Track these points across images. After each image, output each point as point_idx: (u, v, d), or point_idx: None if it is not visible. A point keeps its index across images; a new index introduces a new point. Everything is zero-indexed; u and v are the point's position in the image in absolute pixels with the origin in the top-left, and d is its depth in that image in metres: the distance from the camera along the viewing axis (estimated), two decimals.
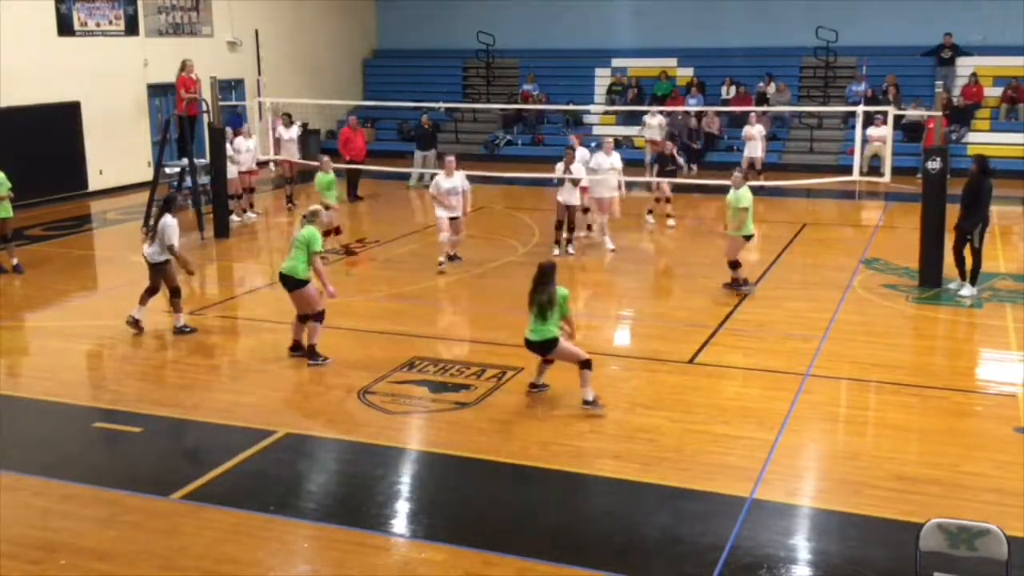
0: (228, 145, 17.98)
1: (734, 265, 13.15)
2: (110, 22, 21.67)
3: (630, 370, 10.60)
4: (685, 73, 26.96)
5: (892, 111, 15.58)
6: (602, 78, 27.74)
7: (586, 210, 16.38)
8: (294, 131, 20.93)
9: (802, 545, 7.06)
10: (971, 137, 23.43)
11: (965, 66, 24.59)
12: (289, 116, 21.19)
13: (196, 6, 23.89)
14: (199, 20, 24.03)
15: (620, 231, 16.11)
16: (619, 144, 22.01)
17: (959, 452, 8.38)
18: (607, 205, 15.91)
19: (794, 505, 7.61)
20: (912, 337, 11.92)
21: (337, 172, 20.70)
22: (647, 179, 19.05)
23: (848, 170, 16.05)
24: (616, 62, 27.71)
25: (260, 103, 20.40)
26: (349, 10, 29.33)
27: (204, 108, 18.30)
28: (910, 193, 18.11)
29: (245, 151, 18.71)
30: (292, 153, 20.41)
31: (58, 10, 20.49)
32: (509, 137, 26.97)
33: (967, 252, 13.01)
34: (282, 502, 7.63)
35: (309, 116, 25.02)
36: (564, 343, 9.21)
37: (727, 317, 12.27)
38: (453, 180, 14.42)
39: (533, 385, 9.70)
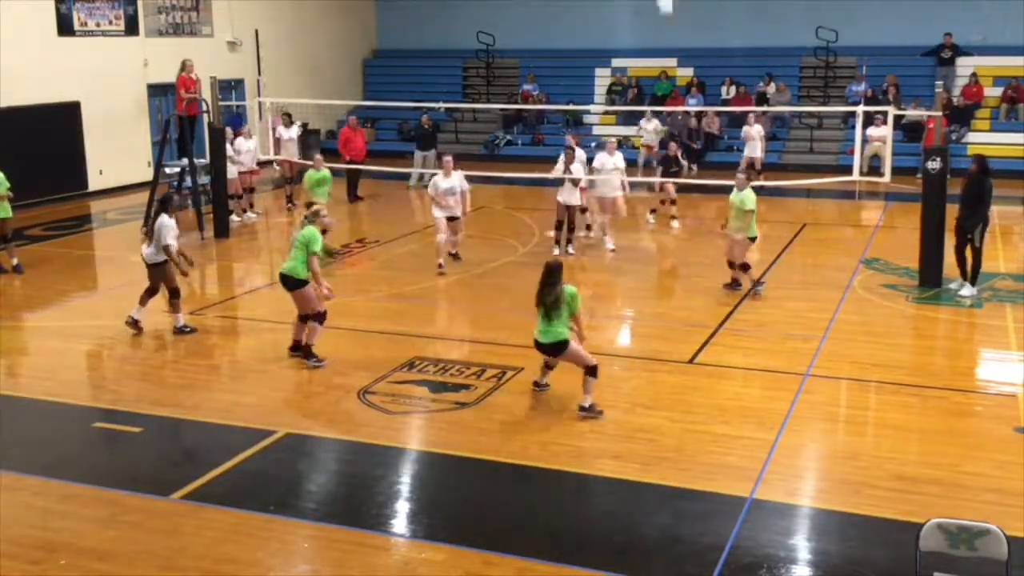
0: (228, 145, 17.99)
1: (745, 267, 13.06)
2: (110, 22, 21.67)
3: (630, 370, 10.60)
4: (685, 73, 26.97)
5: (892, 111, 15.60)
6: (602, 78, 27.75)
7: (584, 210, 16.38)
8: (294, 131, 20.94)
9: (802, 545, 7.06)
10: (971, 137, 23.43)
11: (965, 66, 24.59)
12: (289, 116, 21.19)
13: (196, 6, 23.90)
14: (199, 20, 24.03)
15: (620, 231, 16.10)
16: (619, 144, 22.05)
17: (959, 452, 8.38)
18: (609, 205, 15.89)
19: (794, 505, 7.61)
20: (912, 337, 11.92)
21: (337, 172, 20.77)
22: (649, 179, 19.06)
23: (848, 170, 16.06)
24: (616, 62, 27.72)
25: (260, 103, 20.40)
26: (349, 10, 29.33)
27: (204, 108, 18.30)
28: (910, 193, 18.11)
29: (245, 151, 18.72)
30: (292, 153, 20.42)
31: (58, 10, 20.49)
32: (509, 137, 26.98)
33: (967, 252, 13.01)
34: (282, 502, 7.63)
35: (309, 116, 25.01)
36: (574, 346, 9.12)
37: (727, 317, 12.27)
38: (451, 180, 14.41)
39: (536, 384, 9.68)
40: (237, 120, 22.29)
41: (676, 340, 11.44)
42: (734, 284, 13.30)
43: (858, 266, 14.72)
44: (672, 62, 27.16)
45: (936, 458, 8.27)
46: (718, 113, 24.62)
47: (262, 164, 19.86)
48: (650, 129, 22.83)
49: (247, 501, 7.63)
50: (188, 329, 11.80)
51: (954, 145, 21.36)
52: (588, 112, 26.48)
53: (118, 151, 21.64)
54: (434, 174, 15.01)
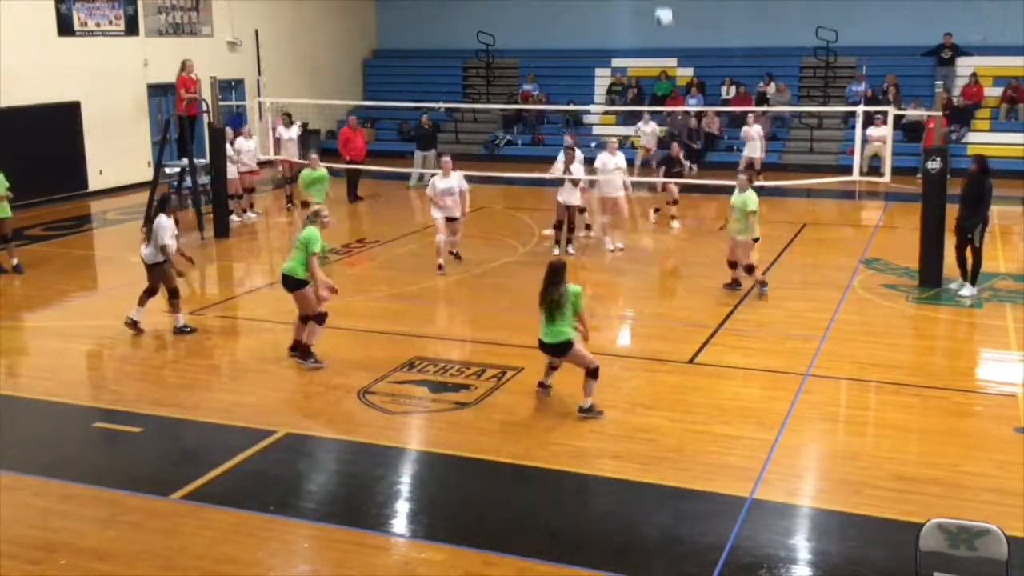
0: (228, 146, 17.99)
1: (750, 269, 12.99)
2: (110, 22, 21.68)
3: (630, 370, 10.59)
4: (685, 73, 26.97)
5: (892, 111, 15.59)
6: (602, 78, 27.75)
7: (583, 210, 16.39)
8: (294, 131, 20.93)
9: (802, 545, 7.06)
10: (971, 137, 23.43)
11: (965, 66, 24.60)
12: (289, 116, 21.19)
13: (196, 6, 23.90)
14: (199, 20, 24.03)
15: (616, 231, 16.08)
16: (620, 144, 22.04)
17: (959, 452, 8.38)
18: (611, 205, 15.88)
19: (794, 505, 7.61)
20: (912, 337, 11.92)
21: (337, 172, 20.77)
22: (651, 179, 19.06)
23: (848, 170, 16.06)
24: (616, 62, 27.72)
25: (260, 103, 20.41)
26: (349, 10, 29.34)
27: (204, 108, 18.31)
28: (910, 193, 18.11)
29: (246, 151, 18.72)
30: (292, 153, 20.41)
31: (58, 10, 20.49)
32: (509, 137, 26.98)
33: (968, 252, 13.01)
34: (282, 502, 7.63)
35: (309, 116, 25.01)
36: (578, 347, 9.07)
37: (727, 317, 12.27)
38: (449, 181, 14.40)
39: (541, 384, 9.63)
40: (237, 120, 22.29)
41: (676, 340, 11.44)
42: (734, 284, 13.29)
43: (858, 266, 14.72)
44: (672, 62, 27.17)
45: (936, 458, 8.27)
46: (718, 113, 24.63)
47: (263, 164, 19.87)
48: (648, 131, 22.86)
49: (247, 501, 7.63)
50: (188, 329, 11.80)
51: (954, 145, 21.36)
52: (588, 112, 26.49)
53: (118, 151, 21.64)
54: (434, 174, 15.00)
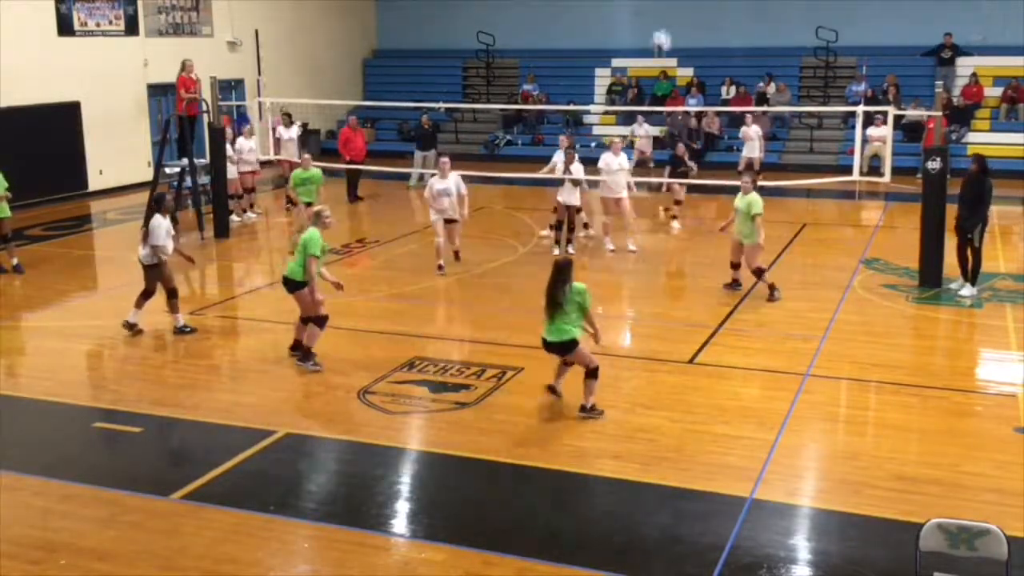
0: (228, 146, 17.98)
1: (759, 272, 12.91)
2: (110, 22, 21.68)
3: (630, 370, 10.59)
4: (685, 73, 26.97)
5: (892, 111, 15.60)
6: (602, 78, 27.76)
7: (579, 209, 16.40)
8: (294, 131, 20.94)
9: (802, 545, 7.06)
10: (971, 137, 23.43)
11: (965, 66, 24.60)
12: (289, 116, 21.20)
13: (196, 6, 23.90)
14: (199, 20, 24.03)
15: (618, 231, 16.08)
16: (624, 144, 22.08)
17: (959, 452, 8.38)
18: (613, 206, 15.85)
19: (794, 505, 7.61)
20: (912, 337, 11.92)
21: (337, 172, 20.77)
22: (654, 180, 19.06)
23: (848, 170, 16.06)
24: (616, 62, 27.73)
25: (260, 103, 20.41)
26: (349, 10, 29.34)
27: (204, 108, 18.31)
28: (910, 193, 18.12)
29: (247, 151, 18.72)
30: (292, 153, 20.39)
31: (58, 10, 20.50)
32: (509, 137, 26.98)
33: (968, 252, 13.00)
34: (282, 502, 7.63)
35: (309, 116, 25.02)
36: (583, 347, 9.00)
37: (727, 317, 12.27)
38: (446, 182, 14.37)
39: (552, 389, 9.43)
40: (242, 120, 22.29)
41: (676, 340, 11.44)
42: (734, 284, 13.28)
43: (858, 266, 14.72)
44: (672, 62, 27.17)
45: (936, 458, 8.27)
46: (718, 113, 24.63)
47: (264, 164, 19.87)
48: (642, 134, 22.87)
49: (247, 501, 7.63)
50: (188, 329, 11.80)
51: (954, 145, 21.36)
52: (588, 112, 26.49)
53: (118, 151, 21.64)
54: (433, 174, 14.99)
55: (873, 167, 19.92)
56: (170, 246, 11.70)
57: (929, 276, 13.34)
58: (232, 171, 18.13)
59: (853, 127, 19.91)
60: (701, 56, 26.91)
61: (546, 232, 16.84)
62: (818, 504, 7.62)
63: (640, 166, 21.56)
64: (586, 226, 16.81)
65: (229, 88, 23.67)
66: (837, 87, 25.45)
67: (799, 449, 8.64)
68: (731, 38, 26.58)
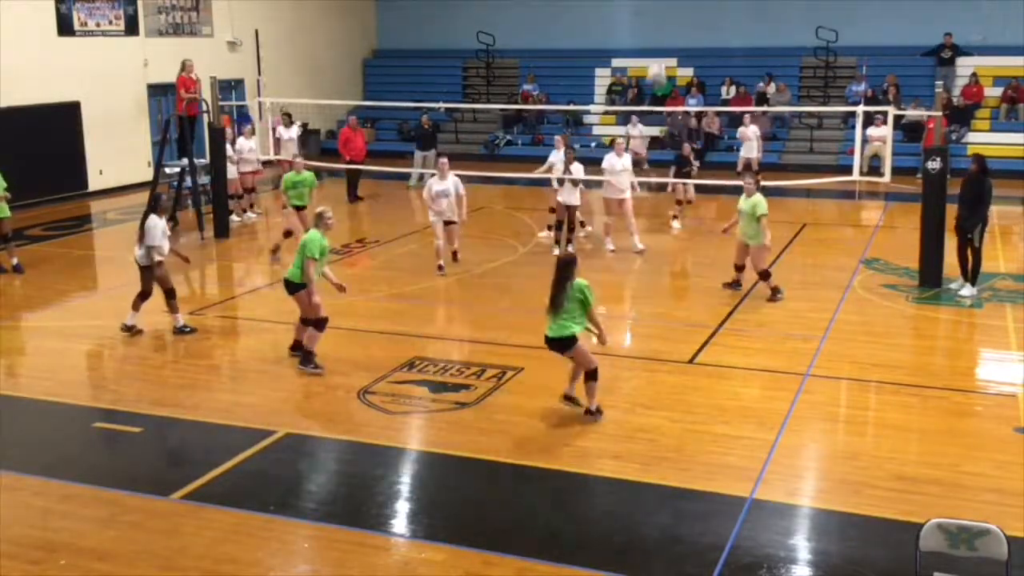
0: (229, 146, 17.97)
1: (765, 275, 12.88)
2: (110, 22, 21.68)
3: (630, 370, 10.59)
4: (685, 73, 26.97)
5: (892, 111, 15.60)
6: (602, 78, 27.76)
7: (554, 209, 16.42)
8: (294, 131, 20.94)
9: (802, 545, 7.06)
10: (971, 137, 23.44)
11: (965, 66, 24.61)
12: (289, 116, 21.20)
13: (196, 6, 23.90)
14: (199, 20, 24.04)
15: (620, 232, 16.08)
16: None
17: (959, 452, 8.38)
18: (616, 206, 15.83)
19: (794, 505, 7.61)
20: (912, 337, 11.92)
21: (337, 172, 20.79)
22: (660, 180, 19.04)
23: (848, 170, 16.06)
24: (616, 62, 27.72)
25: (260, 103, 20.41)
26: (349, 10, 29.34)
27: (204, 108, 18.31)
28: (910, 193, 18.12)
29: (247, 151, 18.72)
30: (292, 153, 20.38)
31: (58, 10, 20.50)
32: (509, 137, 26.99)
33: (968, 252, 13.00)
34: (282, 502, 7.63)
35: (309, 116, 25.03)
36: (582, 345, 8.92)
37: (727, 317, 12.27)
38: (445, 183, 14.35)
39: (567, 397, 9.23)
40: (244, 120, 22.29)
41: (676, 340, 11.44)
42: (735, 284, 13.26)
43: (858, 266, 14.72)
44: (672, 62, 27.14)
45: (936, 458, 8.27)
46: (718, 113, 24.63)
47: (265, 164, 19.87)
48: (635, 134, 22.85)
49: (247, 501, 7.63)
50: (188, 329, 11.80)
51: (954, 145, 21.37)
52: (588, 112, 26.49)
53: (118, 151, 21.65)
54: (433, 174, 14.98)
55: (873, 167, 19.92)
56: (166, 246, 11.68)
57: (929, 276, 13.34)
58: (232, 171, 18.12)
59: (853, 127, 19.92)
60: (701, 56, 26.91)
61: (545, 233, 16.84)
62: (818, 504, 7.62)
63: (635, 167, 21.52)
64: (582, 224, 16.81)
65: (229, 88, 23.67)
66: (837, 87, 25.45)
67: (799, 449, 8.64)
68: (731, 38, 26.59)
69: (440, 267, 14.40)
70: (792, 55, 26.15)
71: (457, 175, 14.70)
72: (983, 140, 22.92)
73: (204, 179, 18.49)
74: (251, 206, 19.25)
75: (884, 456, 8.30)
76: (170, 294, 11.73)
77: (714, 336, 11.57)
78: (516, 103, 26.80)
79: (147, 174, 20.38)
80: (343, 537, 7.13)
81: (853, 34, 25.21)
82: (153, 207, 11.74)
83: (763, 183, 13.30)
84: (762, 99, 25.07)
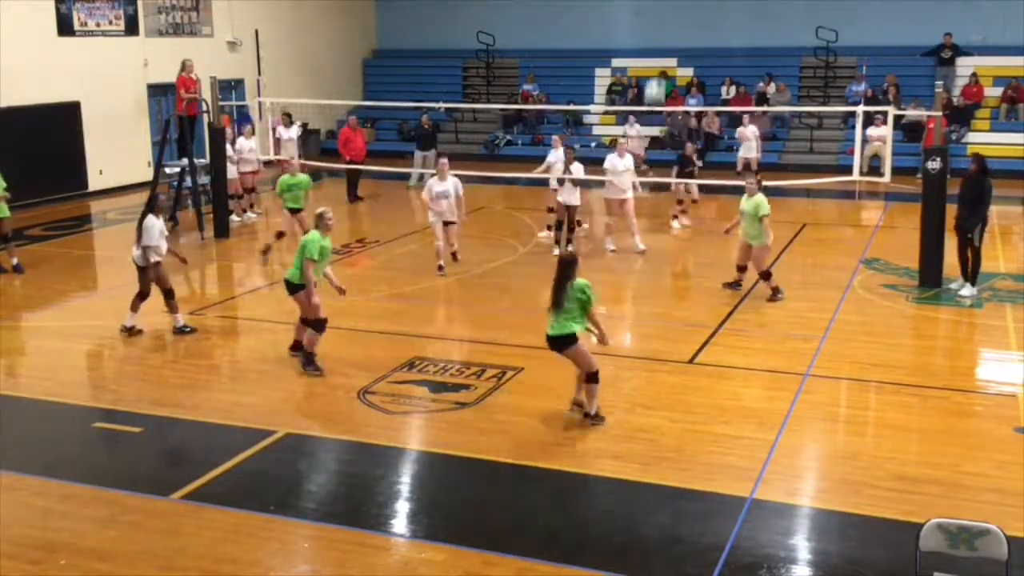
0: (228, 146, 17.97)
1: (767, 275, 12.87)
2: (110, 22, 21.68)
3: (630, 370, 10.59)
4: (685, 73, 26.98)
5: (892, 111, 15.59)
6: (602, 78, 27.76)
7: (551, 210, 16.42)
8: (294, 131, 20.94)
9: (802, 545, 7.06)
10: (971, 137, 23.44)
11: (965, 66, 24.61)
12: (289, 116, 21.20)
13: (196, 6, 23.90)
14: (199, 20, 24.04)
15: (620, 232, 16.08)
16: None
17: (959, 452, 8.38)
18: (618, 207, 15.82)
19: (794, 505, 7.61)
20: (912, 337, 11.92)
21: (337, 172, 20.77)
22: (663, 180, 19.04)
23: (848, 170, 16.06)
24: (616, 62, 27.73)
25: (260, 103, 20.41)
26: (349, 10, 29.34)
27: (204, 108, 18.31)
28: (910, 193, 18.11)
29: (248, 151, 18.72)
30: (292, 153, 20.38)
31: (58, 10, 20.50)
32: (509, 137, 26.99)
33: (968, 252, 13.00)
34: (282, 502, 7.63)
35: (309, 116, 25.03)
36: (582, 346, 8.86)
37: (727, 317, 12.27)
38: (445, 184, 14.33)
39: (578, 404, 9.17)
40: (245, 120, 22.30)
41: (676, 340, 11.44)
42: (735, 284, 13.26)
43: (858, 266, 14.72)
44: (672, 62, 27.18)
45: (936, 458, 8.27)
46: (718, 113, 24.63)
47: (267, 164, 19.88)
48: (633, 134, 22.86)
49: (247, 501, 7.63)
50: (188, 329, 11.79)
51: (954, 145, 21.37)
52: (588, 112, 26.49)
53: (118, 151, 21.65)
54: (433, 174, 14.98)
55: (873, 167, 19.92)
56: (164, 247, 11.67)
57: (929, 276, 13.34)
58: (232, 171, 18.12)
59: (853, 127, 19.91)
60: (701, 56, 26.91)
61: (545, 233, 16.84)
62: (818, 504, 7.62)
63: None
64: (579, 223, 16.80)
65: (229, 88, 23.67)
66: (837, 87, 25.45)
67: (799, 449, 8.64)
68: (731, 38, 26.59)
69: (440, 267, 14.39)
70: (792, 55, 26.15)
71: (457, 175, 14.70)
72: (983, 140, 22.92)
73: (204, 179, 18.49)
74: (251, 206, 19.25)
75: (884, 456, 8.31)
76: (169, 294, 11.72)
77: (714, 336, 11.57)
78: (516, 103, 26.81)
79: (147, 174, 20.39)
80: (343, 537, 7.13)
81: (853, 34, 25.21)
82: (150, 207, 11.71)
83: (763, 183, 13.29)
84: (762, 99, 25.07)
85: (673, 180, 17.97)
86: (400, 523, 7.49)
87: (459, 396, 9.71)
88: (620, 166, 15.69)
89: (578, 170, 15.48)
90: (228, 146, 17.93)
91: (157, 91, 22.54)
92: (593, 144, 25.26)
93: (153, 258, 11.54)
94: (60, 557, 6.86)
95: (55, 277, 14.85)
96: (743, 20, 26.47)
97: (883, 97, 23.71)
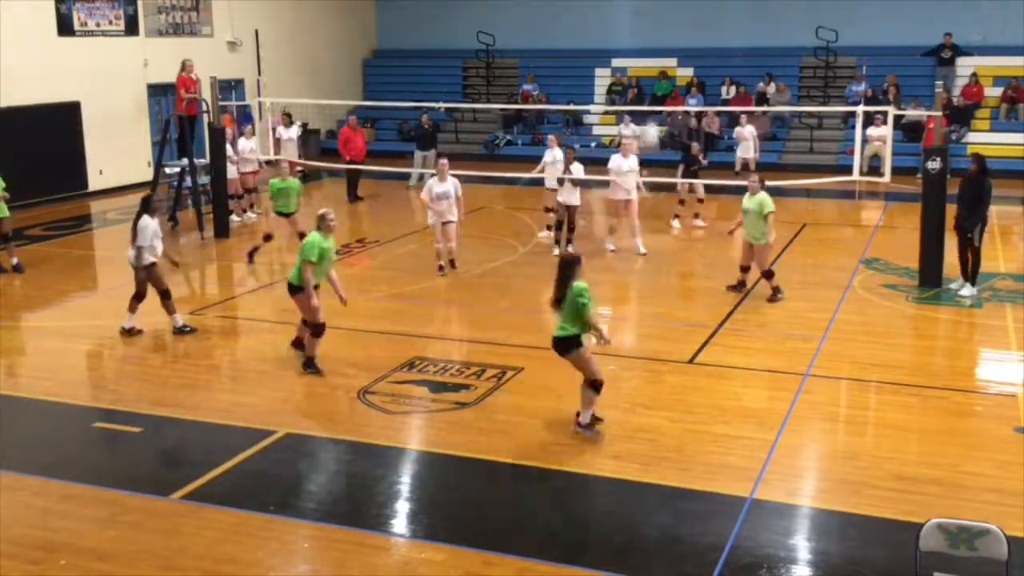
0: (229, 146, 17.97)
1: (769, 275, 12.86)
2: (110, 22, 21.68)
3: (630, 370, 10.59)
4: (685, 73, 26.98)
5: (892, 111, 15.59)
6: (602, 78, 27.76)
7: (548, 209, 16.39)
8: (294, 131, 20.94)
9: (802, 545, 7.06)
10: (971, 137, 23.44)
11: (965, 66, 24.61)
12: (289, 116, 21.21)
13: (196, 6, 23.90)
14: (199, 20, 24.04)
15: (622, 232, 16.08)
16: (618, 146, 22.06)
17: (959, 452, 8.38)
18: (622, 208, 15.80)
19: (794, 505, 7.61)
20: (912, 337, 11.92)
21: (337, 172, 20.75)
22: (669, 180, 19.05)
23: (848, 170, 16.05)
24: (616, 62, 27.73)
25: (260, 103, 20.42)
26: (349, 10, 29.34)
27: (204, 108, 18.31)
28: (910, 193, 18.12)
29: (248, 151, 18.72)
30: (292, 153, 20.42)
31: (58, 10, 20.50)
32: (509, 137, 26.99)
33: (968, 252, 13.01)
34: (282, 502, 7.63)
35: (309, 116, 25.03)
36: (585, 351, 8.69)
37: (727, 317, 12.27)
38: (445, 184, 14.31)
39: (593, 417, 8.96)
40: (247, 120, 22.31)
41: (676, 340, 11.44)
42: (739, 286, 13.18)
43: (858, 266, 14.72)
44: (672, 62, 27.18)
45: (936, 458, 8.27)
46: (718, 113, 24.63)
47: (268, 164, 19.88)
48: (628, 133, 22.88)
49: (247, 501, 7.63)
50: (188, 329, 11.79)
51: (954, 145, 21.37)
52: (588, 112, 26.50)
53: (118, 151, 21.65)
54: (433, 174, 14.96)
55: (873, 167, 19.91)
56: (160, 247, 11.65)
57: (929, 276, 13.34)
58: (232, 171, 18.12)
59: (853, 127, 19.91)
60: (701, 56, 26.91)
61: (545, 233, 16.83)
62: (818, 504, 7.62)
63: None
64: (559, 225, 16.75)
65: (229, 88, 23.67)
66: (837, 87, 25.46)
67: (799, 449, 8.64)
68: (731, 38, 26.59)
69: (440, 268, 14.39)
70: (792, 55, 26.15)
71: (457, 175, 14.69)
72: (983, 140, 22.91)
73: (204, 179, 18.49)
74: (251, 206, 19.25)
75: (884, 456, 8.31)
76: (165, 295, 11.68)
77: (714, 336, 11.57)
78: (516, 103, 26.81)
79: (147, 174, 20.39)
80: (343, 537, 7.13)
81: (853, 34, 25.21)
82: (145, 207, 11.67)
83: (765, 183, 13.27)
84: (762, 99, 25.08)
85: (679, 180, 17.94)
86: (400, 523, 7.49)
87: (459, 396, 9.71)
88: (624, 166, 15.66)
89: (578, 170, 15.47)
90: (228, 146, 17.93)
91: (157, 91, 22.54)
92: (593, 144, 25.26)
93: (148, 259, 11.52)
94: (60, 557, 6.86)
95: (55, 277, 14.85)
96: (743, 20, 26.47)
97: (883, 97, 23.71)
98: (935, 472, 7.99)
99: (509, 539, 7.09)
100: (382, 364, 10.57)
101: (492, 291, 13.93)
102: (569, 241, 15.55)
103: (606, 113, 26.49)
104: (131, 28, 22.15)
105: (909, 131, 23.03)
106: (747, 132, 21.24)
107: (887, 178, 14.94)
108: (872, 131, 19.90)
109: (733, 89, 25.75)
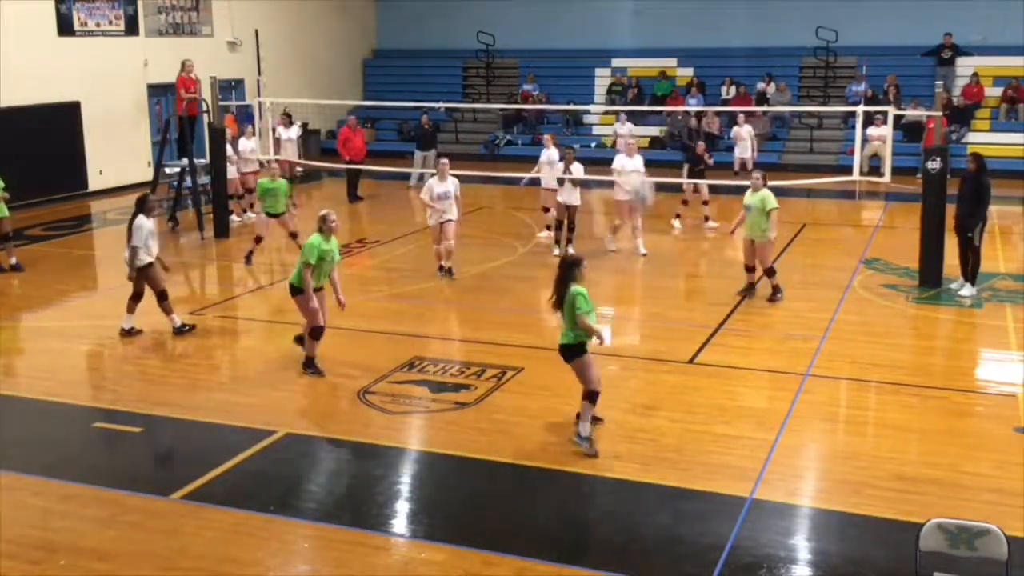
0: (229, 146, 17.97)
1: (771, 272, 12.85)
2: (110, 22, 21.68)
3: (630, 370, 10.59)
4: (685, 73, 26.99)
5: (892, 111, 15.58)
6: (602, 78, 27.77)
7: (546, 209, 16.37)
8: (294, 131, 20.93)
9: (802, 545, 7.06)
10: (971, 137, 23.44)
11: (965, 66, 24.62)
12: (289, 116, 21.20)
13: (196, 6, 23.90)
14: (199, 20, 24.04)
15: (622, 232, 16.07)
16: (614, 145, 22.12)
17: (959, 452, 8.38)
18: (626, 209, 15.77)
19: (794, 505, 7.61)
20: (912, 337, 11.92)
21: (337, 172, 20.72)
22: (675, 180, 19.03)
23: (848, 170, 16.06)
24: (616, 62, 27.74)
25: (260, 103, 20.41)
26: (349, 10, 29.34)
27: (204, 108, 18.31)
28: (910, 193, 18.11)
29: (249, 151, 18.72)
30: (292, 153, 20.43)
31: (58, 10, 20.50)
32: (509, 137, 26.99)
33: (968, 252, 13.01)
34: (282, 502, 7.63)
35: (309, 116, 25.03)
36: (587, 359, 8.52)
37: (727, 317, 12.26)
38: (445, 184, 14.27)
39: (593, 418, 8.76)
40: (248, 120, 22.29)
41: (676, 340, 11.44)
42: (750, 289, 13.00)
43: (858, 266, 14.72)
44: (672, 62, 27.18)
45: (936, 458, 8.27)
46: (718, 113, 24.63)
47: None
48: (624, 132, 22.89)
49: (247, 501, 7.63)
50: (187, 328, 11.78)
51: (954, 145, 21.37)
52: (588, 112, 26.50)
53: (118, 151, 21.66)
54: (434, 174, 14.94)
55: (873, 167, 19.92)
56: (155, 247, 11.63)
57: (929, 276, 13.34)
58: (232, 171, 18.12)
59: (853, 127, 19.89)
60: (701, 56, 26.92)
61: (545, 233, 16.83)
62: (818, 504, 7.62)
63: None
64: (548, 228, 16.73)
65: (229, 88, 23.67)
66: (837, 87, 25.46)
67: (799, 449, 8.64)
68: (731, 38, 26.59)
69: (440, 268, 14.38)
70: (792, 55, 26.15)
71: (457, 175, 14.66)
72: (983, 140, 22.92)
73: (204, 179, 18.49)
74: (251, 206, 19.22)
75: (884, 456, 8.31)
76: (161, 296, 11.65)
77: (714, 336, 11.57)
78: (516, 103, 26.82)
79: (147, 174, 20.39)
80: (343, 537, 7.13)
81: (853, 34, 25.22)
82: (140, 207, 11.64)
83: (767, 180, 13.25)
84: (762, 99, 25.08)
85: (684, 180, 17.92)
86: (400, 523, 7.49)
87: (459, 396, 9.71)
88: (629, 166, 15.65)
89: (578, 170, 15.47)
90: (229, 146, 17.93)
91: (157, 91, 22.54)
92: (593, 144, 25.27)
93: (144, 259, 11.50)
94: (60, 557, 6.86)
95: (55, 277, 14.84)
96: (743, 20, 26.47)
97: (883, 97, 23.72)
98: (935, 472, 7.99)
99: (509, 539, 7.09)
100: (382, 364, 10.57)
101: (492, 291, 13.93)
102: (569, 241, 15.55)
103: (606, 113, 26.49)
104: (131, 28, 22.15)
105: (909, 131, 23.03)
106: (745, 132, 21.23)
107: (887, 178, 14.92)
108: (872, 131, 19.91)
109: (733, 89, 25.76)
